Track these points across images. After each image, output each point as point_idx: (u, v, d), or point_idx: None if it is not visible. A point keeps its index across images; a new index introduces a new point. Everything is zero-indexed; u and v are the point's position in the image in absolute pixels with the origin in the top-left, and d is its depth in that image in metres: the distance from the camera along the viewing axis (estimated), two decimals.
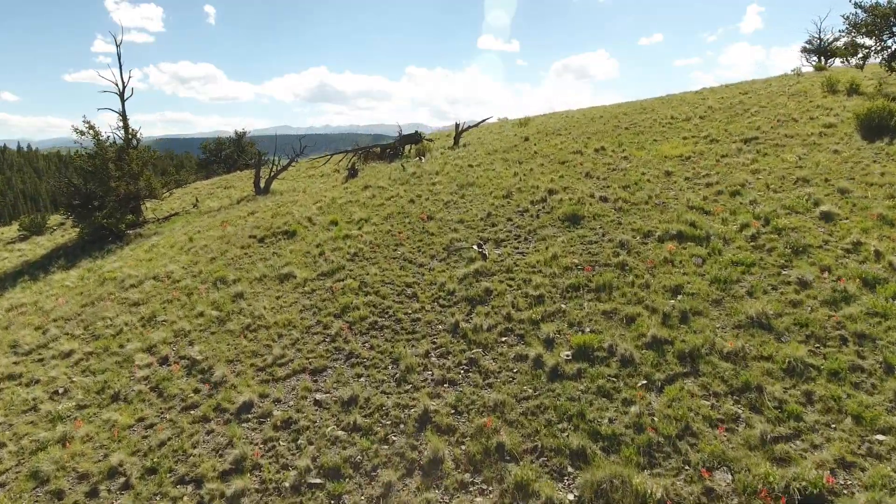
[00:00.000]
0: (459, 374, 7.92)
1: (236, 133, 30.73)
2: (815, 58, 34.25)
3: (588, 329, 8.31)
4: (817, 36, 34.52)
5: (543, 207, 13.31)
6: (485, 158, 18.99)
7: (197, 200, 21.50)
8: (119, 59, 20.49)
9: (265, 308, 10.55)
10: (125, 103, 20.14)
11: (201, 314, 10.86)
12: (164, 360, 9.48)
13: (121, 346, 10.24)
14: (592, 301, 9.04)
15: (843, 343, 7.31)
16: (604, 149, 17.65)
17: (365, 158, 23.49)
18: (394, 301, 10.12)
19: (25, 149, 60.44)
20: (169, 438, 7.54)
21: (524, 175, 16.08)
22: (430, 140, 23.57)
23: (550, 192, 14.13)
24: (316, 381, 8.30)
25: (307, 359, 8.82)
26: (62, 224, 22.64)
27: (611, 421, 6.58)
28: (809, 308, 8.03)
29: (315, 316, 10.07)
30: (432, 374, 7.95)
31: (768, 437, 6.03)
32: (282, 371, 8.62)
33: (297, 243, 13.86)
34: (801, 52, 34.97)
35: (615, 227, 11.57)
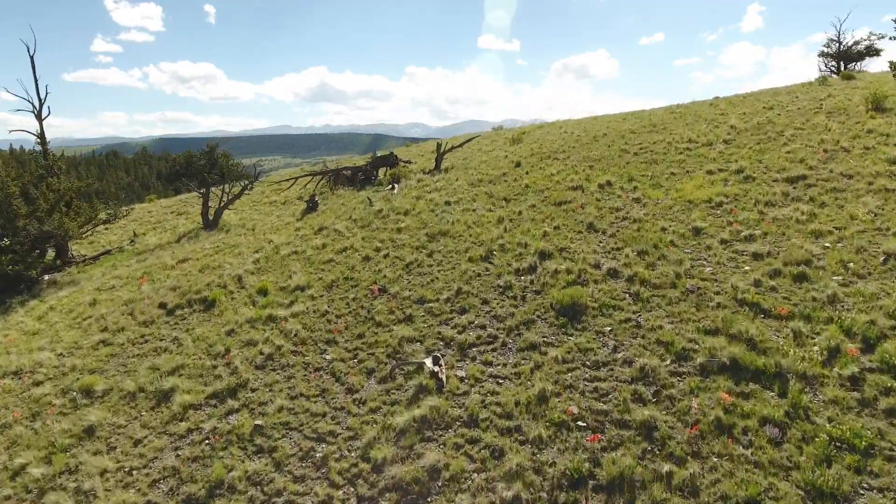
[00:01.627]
0: None
1: (208, 146, 26.54)
2: (833, 63, 29.71)
3: None
4: (836, 39, 29.90)
5: (532, 283, 9.26)
6: (466, 192, 14.85)
7: (135, 235, 17.47)
8: (34, 72, 16.21)
9: (106, 473, 6.58)
10: (43, 122, 16.09)
11: (23, 469, 6.92)
12: None
13: None
14: None
15: None
16: (610, 184, 13.48)
17: (334, 182, 19.37)
18: (290, 476, 6.13)
19: (18, 150, 56.56)
20: None
21: (510, 222, 11.99)
22: (408, 163, 19.36)
23: (542, 255, 10.06)
24: None
25: None
26: None
27: None
28: None
29: (170, 499, 6.11)
30: None
31: None
32: None
33: (210, 322, 9.91)
34: (820, 56, 30.37)
35: (632, 334, 7.52)
